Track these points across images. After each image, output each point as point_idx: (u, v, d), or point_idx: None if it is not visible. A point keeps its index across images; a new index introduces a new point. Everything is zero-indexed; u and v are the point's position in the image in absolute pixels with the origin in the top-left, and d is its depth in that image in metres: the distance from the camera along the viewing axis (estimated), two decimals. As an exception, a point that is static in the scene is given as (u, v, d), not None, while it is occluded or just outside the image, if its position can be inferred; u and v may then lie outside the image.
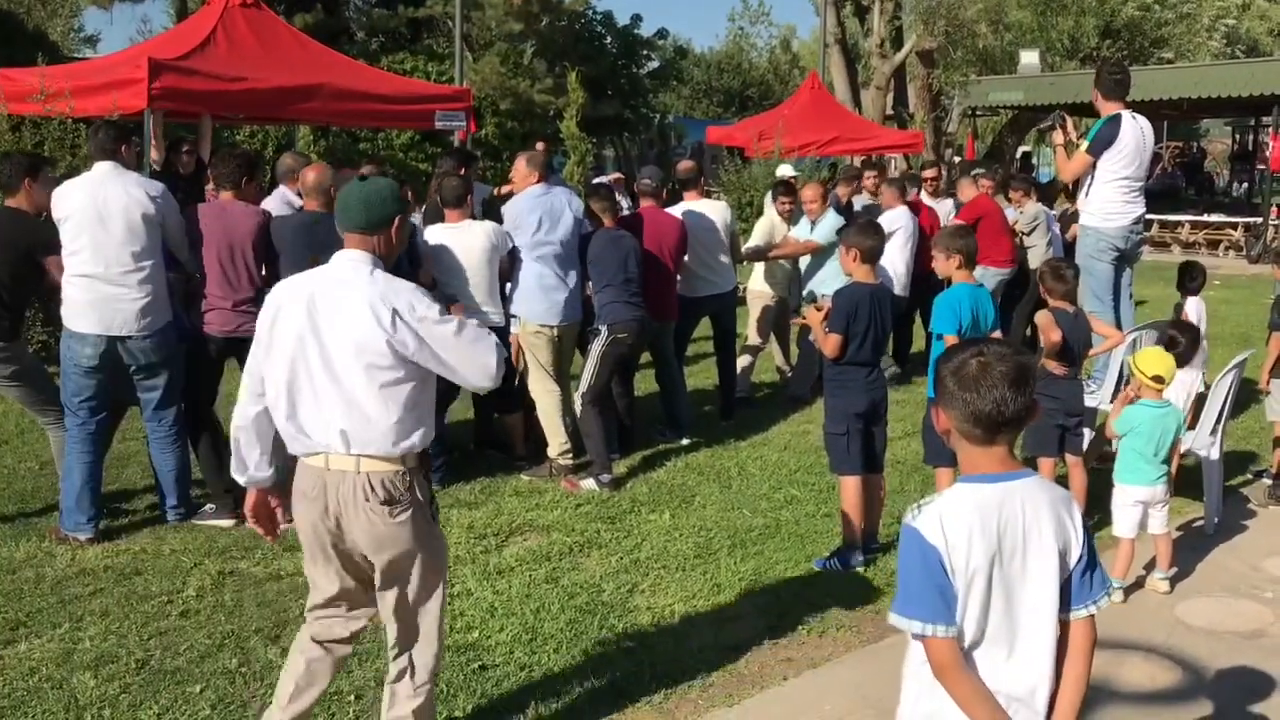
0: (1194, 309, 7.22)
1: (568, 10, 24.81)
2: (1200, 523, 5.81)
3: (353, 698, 3.81)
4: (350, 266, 3.00)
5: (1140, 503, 4.97)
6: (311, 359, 2.93)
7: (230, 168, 5.64)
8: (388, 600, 3.11)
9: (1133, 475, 4.99)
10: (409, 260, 6.00)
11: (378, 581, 3.08)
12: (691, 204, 7.52)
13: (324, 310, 2.94)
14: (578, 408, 6.39)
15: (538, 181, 6.40)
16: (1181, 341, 5.82)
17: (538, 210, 6.26)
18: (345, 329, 2.91)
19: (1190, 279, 7.30)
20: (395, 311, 2.91)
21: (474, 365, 3.00)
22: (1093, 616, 2.28)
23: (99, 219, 5.07)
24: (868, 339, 5.04)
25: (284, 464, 3.16)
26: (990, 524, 2.17)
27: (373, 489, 2.95)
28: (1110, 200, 7.01)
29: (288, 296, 3.01)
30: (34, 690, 3.83)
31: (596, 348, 6.31)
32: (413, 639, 3.16)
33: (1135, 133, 7.01)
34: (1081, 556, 2.26)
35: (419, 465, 3.05)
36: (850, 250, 5.11)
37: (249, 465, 3.11)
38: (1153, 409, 4.99)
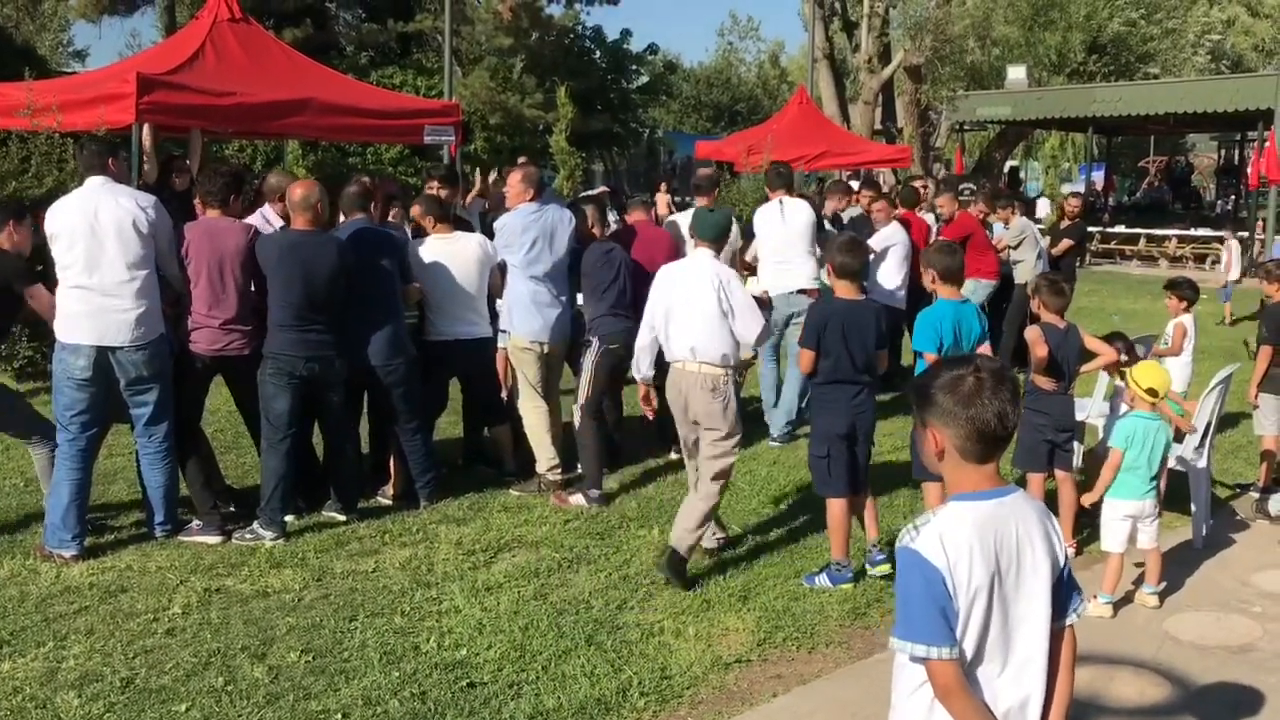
0: (1186, 323, 7.22)
1: (557, 25, 24.86)
2: (1189, 537, 5.82)
3: (339, 717, 3.79)
4: (701, 258, 5.15)
5: (1129, 517, 4.97)
6: (680, 306, 5.04)
7: (218, 185, 5.63)
8: (703, 441, 5.09)
9: (1123, 489, 4.98)
10: (400, 273, 5.97)
11: (700, 434, 5.09)
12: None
13: (687, 279, 5.08)
14: (576, 420, 6.36)
15: (532, 199, 6.40)
16: (1132, 350, 5.88)
17: (532, 230, 6.25)
18: (698, 290, 5.00)
19: (1181, 294, 7.28)
20: (722, 281, 5.00)
21: (749, 328, 5.05)
22: (1072, 624, 2.31)
23: (91, 231, 5.07)
24: (844, 356, 5.02)
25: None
26: (988, 541, 2.17)
27: (705, 381, 4.98)
28: (766, 273, 7.87)
29: (668, 274, 5.19)
30: (17, 709, 3.79)
31: (590, 359, 6.30)
32: (714, 461, 5.07)
33: (774, 213, 7.83)
34: (1065, 566, 2.29)
35: (732, 374, 5.07)
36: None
37: (642, 368, 5.28)
38: (1146, 420, 5.00)
